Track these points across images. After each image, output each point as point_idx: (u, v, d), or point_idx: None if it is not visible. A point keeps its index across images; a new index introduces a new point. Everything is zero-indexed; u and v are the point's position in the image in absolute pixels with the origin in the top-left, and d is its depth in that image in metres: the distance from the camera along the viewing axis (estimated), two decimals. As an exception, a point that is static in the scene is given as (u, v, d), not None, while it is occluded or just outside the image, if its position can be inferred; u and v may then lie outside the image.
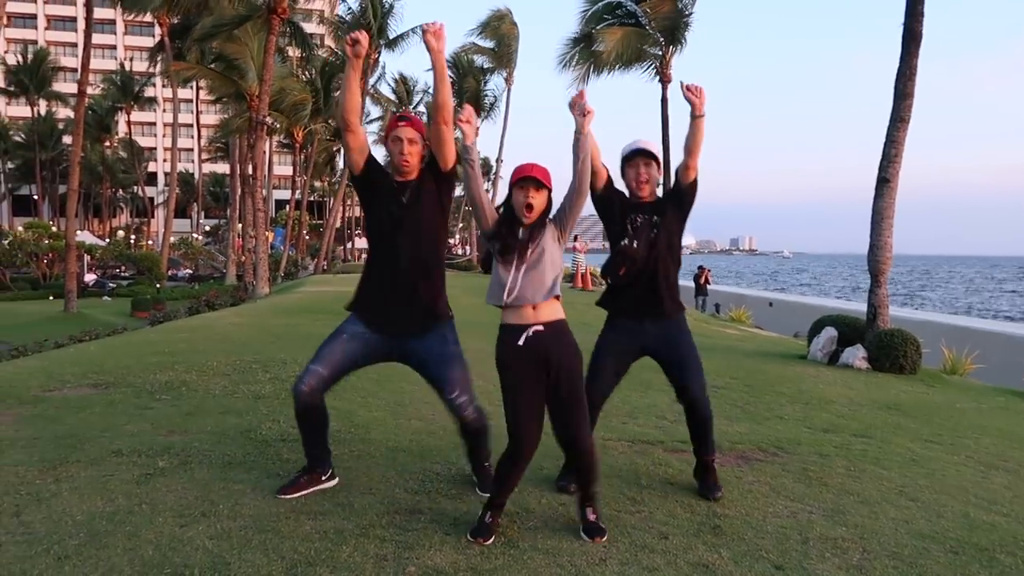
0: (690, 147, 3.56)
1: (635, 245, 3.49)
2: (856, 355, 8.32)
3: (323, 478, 3.47)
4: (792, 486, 3.82)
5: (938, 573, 2.82)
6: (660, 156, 3.69)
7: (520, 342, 2.91)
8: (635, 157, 3.59)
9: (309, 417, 3.35)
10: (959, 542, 3.14)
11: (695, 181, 3.63)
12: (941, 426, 5.55)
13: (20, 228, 36.11)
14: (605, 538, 2.97)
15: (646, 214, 3.55)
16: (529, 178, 2.87)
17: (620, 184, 3.73)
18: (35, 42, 74.11)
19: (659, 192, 3.76)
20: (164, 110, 72.15)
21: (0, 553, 2.70)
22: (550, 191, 2.93)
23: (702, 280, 23.59)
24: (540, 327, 2.92)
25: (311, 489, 3.40)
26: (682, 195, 3.65)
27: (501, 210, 3.03)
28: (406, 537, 2.95)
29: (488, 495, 3.11)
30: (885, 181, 8.61)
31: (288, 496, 3.32)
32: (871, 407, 6.14)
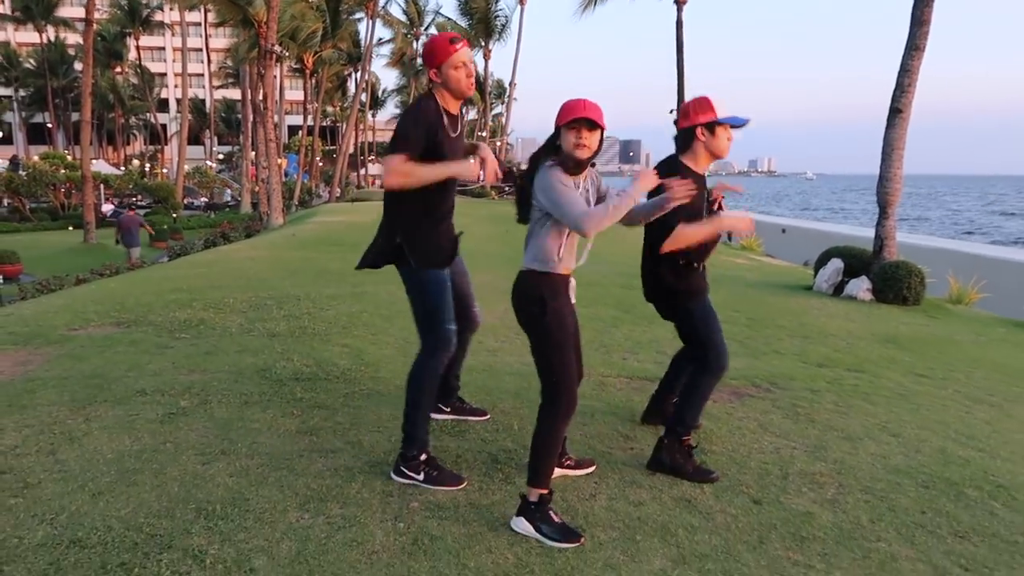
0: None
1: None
2: (861, 287, 8.42)
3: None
4: (780, 422, 4.01)
5: (906, 506, 3.02)
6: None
7: (570, 297, 2.80)
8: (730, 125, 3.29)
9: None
10: (931, 476, 3.33)
11: None
12: (935, 359, 5.70)
13: (37, 158, 36.29)
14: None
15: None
16: (582, 119, 2.58)
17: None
18: (38, -36, 72.51)
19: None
20: (174, 34, 71.13)
21: (40, 490, 2.95)
22: (603, 131, 2.65)
23: (715, 206, 23.39)
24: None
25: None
26: None
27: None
28: (411, 474, 3.17)
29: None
30: (897, 111, 8.52)
31: (460, 487, 3.07)
32: (869, 340, 6.29)
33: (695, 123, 3.25)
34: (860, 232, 21.65)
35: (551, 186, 2.59)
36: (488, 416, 3.91)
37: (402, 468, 3.09)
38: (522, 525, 2.69)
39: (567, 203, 2.58)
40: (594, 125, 2.58)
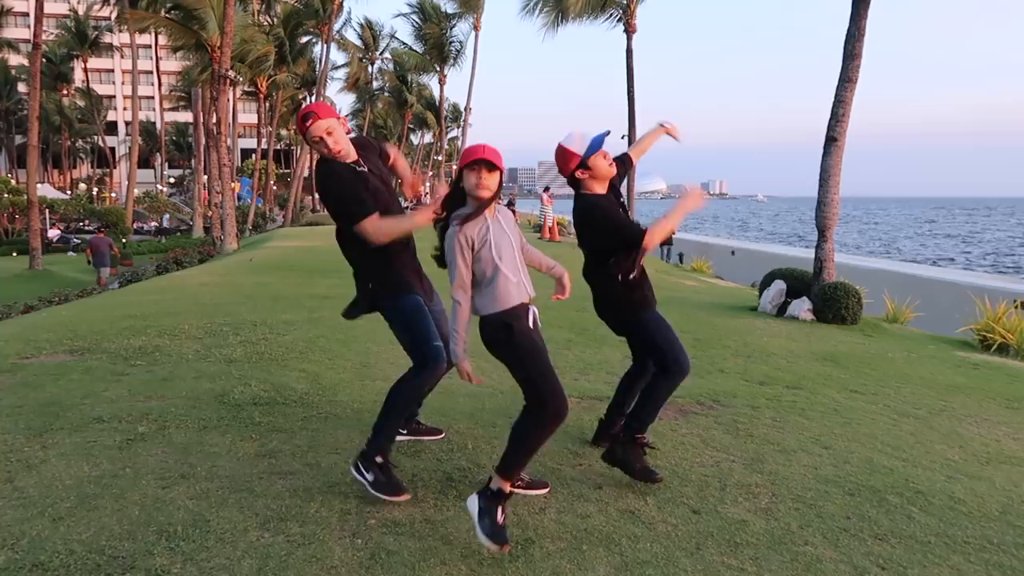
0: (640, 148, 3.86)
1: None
2: (802, 307, 8.79)
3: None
4: (721, 437, 4.23)
5: (833, 513, 3.25)
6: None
7: (531, 324, 2.90)
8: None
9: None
10: (857, 485, 3.57)
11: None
12: (868, 376, 6.02)
13: (-22, 183, 35.31)
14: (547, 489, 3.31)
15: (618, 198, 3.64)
16: (482, 160, 2.79)
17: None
18: (-18, -15, 70.98)
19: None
20: (123, 56, 70.09)
21: (0, 516, 3.00)
22: (502, 173, 2.87)
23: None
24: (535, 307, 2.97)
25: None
26: (621, 175, 3.74)
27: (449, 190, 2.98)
28: (368, 491, 3.29)
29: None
30: (833, 140, 8.95)
31: (403, 497, 3.19)
32: (808, 359, 6.60)
33: (571, 171, 3.49)
34: (807, 254, 22.37)
35: (449, 249, 2.84)
36: (443, 435, 4.06)
37: (359, 463, 3.24)
38: (472, 504, 2.86)
39: (454, 272, 2.83)
40: (493, 167, 2.79)
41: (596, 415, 4.54)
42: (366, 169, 3.36)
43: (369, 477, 3.19)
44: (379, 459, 3.22)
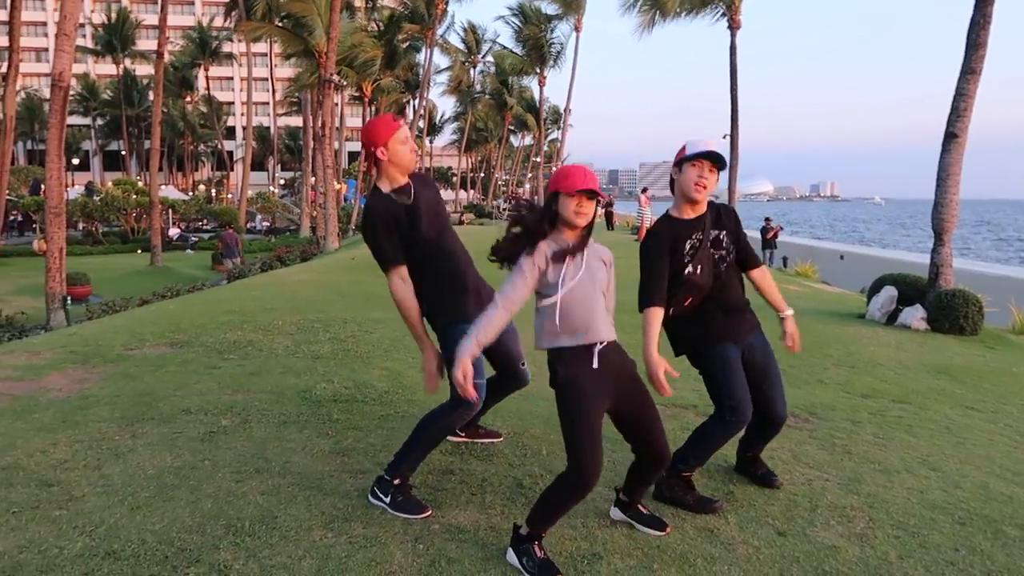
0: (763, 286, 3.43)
1: (699, 272, 3.17)
2: (915, 315, 8.19)
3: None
4: (815, 453, 3.94)
5: (939, 543, 2.93)
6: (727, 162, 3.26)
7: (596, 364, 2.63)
8: (700, 159, 3.15)
9: None
10: (969, 513, 3.22)
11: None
12: (988, 392, 5.51)
13: (110, 184, 37.96)
14: (669, 529, 2.96)
15: (700, 231, 3.23)
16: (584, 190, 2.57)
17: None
18: (118, 1, 76.50)
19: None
20: (241, 65, 73.95)
21: (84, 503, 3.09)
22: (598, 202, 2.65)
23: (769, 235, 22.93)
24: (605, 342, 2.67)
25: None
26: (739, 250, 3.35)
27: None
28: (436, 496, 3.23)
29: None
30: (953, 136, 8.31)
31: (422, 516, 3.07)
32: (919, 371, 6.11)
33: (674, 162, 3.24)
34: (922, 259, 21.02)
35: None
36: (502, 437, 3.98)
37: (376, 490, 3.15)
38: (511, 557, 2.68)
39: (509, 285, 2.58)
40: (593, 194, 2.57)
41: (678, 423, 4.36)
42: (410, 203, 3.13)
43: (387, 500, 3.09)
44: (397, 481, 3.12)
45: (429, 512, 3.06)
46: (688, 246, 3.19)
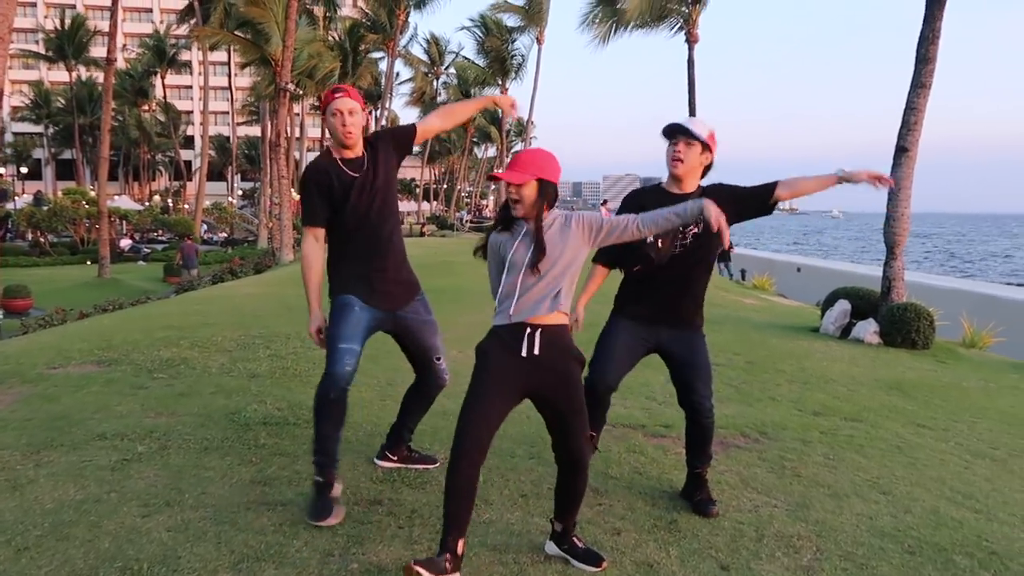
0: (795, 189, 3.28)
1: (659, 245, 3.13)
2: (868, 329, 8.17)
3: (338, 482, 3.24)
4: (763, 476, 3.79)
5: (888, 575, 2.78)
6: (704, 136, 3.23)
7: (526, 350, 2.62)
8: (673, 135, 3.24)
9: (342, 405, 3.19)
10: (919, 541, 3.09)
11: (774, 205, 3.32)
12: (939, 408, 5.44)
13: (59, 194, 36.88)
14: (606, 563, 2.75)
15: None
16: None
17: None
18: (73, 7, 74.86)
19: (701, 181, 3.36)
20: (199, 73, 72.81)
21: (-35, 543, 2.80)
22: (541, 183, 2.59)
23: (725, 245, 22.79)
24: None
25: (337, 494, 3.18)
26: (748, 206, 3.30)
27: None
28: (359, 530, 3.00)
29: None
30: (904, 150, 8.34)
31: (334, 520, 3.03)
32: (871, 387, 6.04)
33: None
34: (876, 271, 21.30)
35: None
36: (438, 463, 3.76)
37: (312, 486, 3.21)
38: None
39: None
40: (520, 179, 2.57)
41: (624, 445, 4.18)
42: (356, 176, 3.19)
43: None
44: (318, 478, 3.13)
45: (335, 519, 3.02)
46: None
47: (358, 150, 3.23)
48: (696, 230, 3.23)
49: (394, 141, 3.37)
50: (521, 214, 2.61)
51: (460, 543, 2.50)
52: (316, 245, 3.23)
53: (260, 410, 4.65)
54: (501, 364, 2.60)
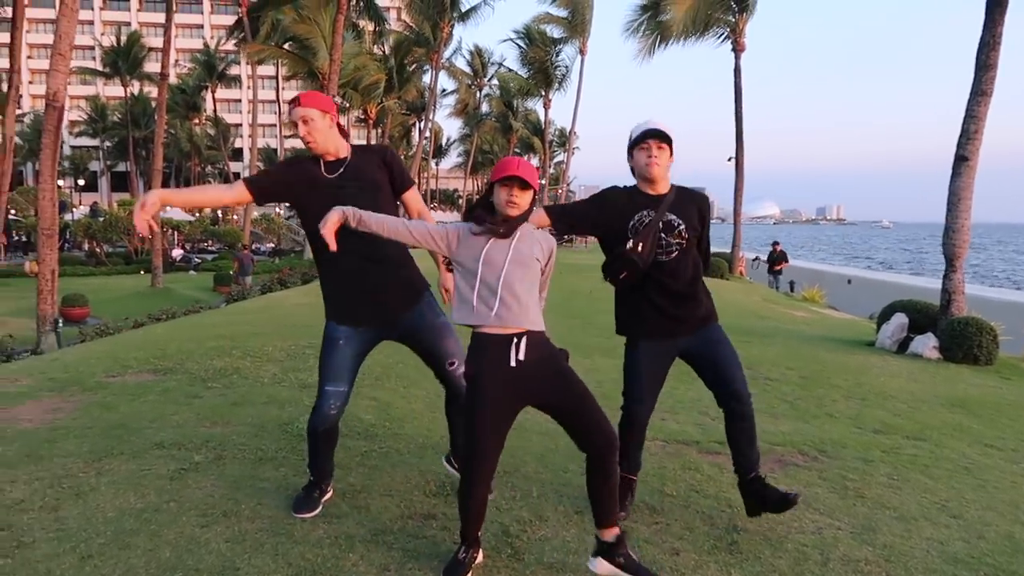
0: None
1: (639, 248, 3.12)
2: (926, 344, 7.92)
3: (329, 489, 3.43)
4: (825, 497, 3.68)
5: (964, 605, 2.67)
6: (673, 141, 3.22)
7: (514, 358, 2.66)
8: (646, 139, 3.18)
9: (330, 436, 3.31)
10: (995, 568, 2.95)
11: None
12: (1007, 428, 5.23)
13: (115, 206, 37.99)
14: None
15: (654, 209, 3.17)
16: (514, 177, 2.62)
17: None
18: (128, 24, 77.27)
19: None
20: (248, 87, 74.48)
21: (32, 550, 2.86)
22: (535, 192, 2.69)
23: (776, 266, 22.31)
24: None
25: (325, 499, 3.37)
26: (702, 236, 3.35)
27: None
28: (415, 544, 2.98)
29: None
30: (963, 159, 8.09)
31: (309, 515, 3.21)
32: (933, 404, 5.84)
33: (627, 150, 3.32)
34: (933, 284, 20.71)
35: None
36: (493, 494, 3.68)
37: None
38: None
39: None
40: (526, 185, 2.61)
41: (679, 462, 4.10)
42: (331, 177, 3.15)
43: (302, 494, 3.33)
44: (309, 484, 3.33)
45: (312, 512, 3.20)
46: (636, 219, 3.17)
47: (335, 152, 3.19)
48: (671, 238, 3.18)
49: (387, 167, 3.28)
50: (516, 216, 2.65)
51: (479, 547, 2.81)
52: (227, 189, 3.26)
53: (312, 421, 4.67)
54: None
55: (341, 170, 3.16)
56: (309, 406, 4.95)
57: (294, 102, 3.17)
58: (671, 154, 3.23)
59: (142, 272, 29.32)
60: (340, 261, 3.04)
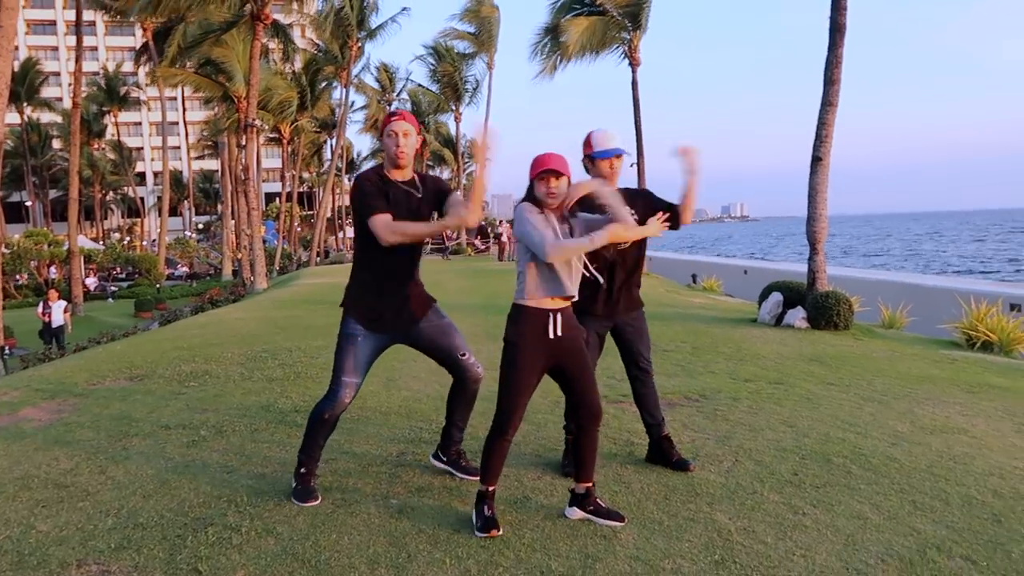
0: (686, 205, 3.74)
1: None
2: (797, 316, 9.37)
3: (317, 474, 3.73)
4: (700, 422, 4.87)
5: (783, 471, 3.87)
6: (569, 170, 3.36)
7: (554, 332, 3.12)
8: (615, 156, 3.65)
9: (333, 424, 3.61)
10: (810, 452, 4.19)
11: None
12: (847, 372, 6.60)
13: (19, 237, 36.91)
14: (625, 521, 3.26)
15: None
16: (548, 170, 3.04)
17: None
18: (16, 48, 74.17)
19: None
20: (150, 109, 72.75)
21: (100, 496, 3.71)
22: (568, 178, 3.10)
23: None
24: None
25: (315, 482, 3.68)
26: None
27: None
28: (396, 470, 3.98)
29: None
30: (818, 160, 9.60)
31: (314, 503, 3.52)
32: (795, 360, 7.19)
33: (583, 158, 3.77)
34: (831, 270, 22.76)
35: (519, 219, 3.09)
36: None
37: (293, 477, 3.70)
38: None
39: (533, 231, 3.02)
40: (559, 174, 3.04)
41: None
42: (406, 190, 3.44)
43: (295, 484, 3.63)
44: (301, 470, 3.63)
45: (316, 501, 3.52)
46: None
47: (408, 173, 3.47)
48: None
49: (439, 192, 3.57)
50: (554, 205, 3.10)
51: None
52: (391, 221, 3.29)
53: (288, 402, 5.59)
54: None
55: (414, 190, 3.46)
56: (281, 395, 5.91)
57: (393, 115, 3.40)
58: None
59: (56, 303, 28.79)
60: (378, 274, 3.46)
